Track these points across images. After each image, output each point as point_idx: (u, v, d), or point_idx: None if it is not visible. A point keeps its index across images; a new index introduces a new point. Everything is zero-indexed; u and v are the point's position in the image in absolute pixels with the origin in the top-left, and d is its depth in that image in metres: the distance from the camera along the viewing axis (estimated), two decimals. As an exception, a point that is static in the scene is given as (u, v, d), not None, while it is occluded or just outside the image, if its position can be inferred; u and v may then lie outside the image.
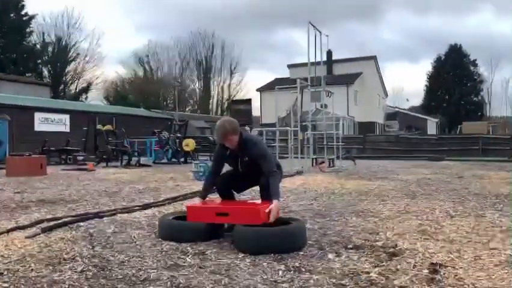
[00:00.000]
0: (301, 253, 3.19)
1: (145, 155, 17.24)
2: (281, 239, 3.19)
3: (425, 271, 2.71)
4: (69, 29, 40.63)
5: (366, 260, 3.01)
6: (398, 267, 2.83)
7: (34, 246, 3.42)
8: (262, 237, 3.19)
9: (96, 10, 65.84)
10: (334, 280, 2.58)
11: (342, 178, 9.26)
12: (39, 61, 37.74)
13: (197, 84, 55.95)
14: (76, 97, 39.15)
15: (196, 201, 4.05)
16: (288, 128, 12.36)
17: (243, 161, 3.84)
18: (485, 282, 2.50)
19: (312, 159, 12.81)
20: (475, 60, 53.34)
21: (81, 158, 13.28)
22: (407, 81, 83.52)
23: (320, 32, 12.90)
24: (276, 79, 39.95)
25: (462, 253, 3.13)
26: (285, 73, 41.36)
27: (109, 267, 2.89)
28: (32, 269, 2.84)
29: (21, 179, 9.09)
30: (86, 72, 42.28)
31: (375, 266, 2.85)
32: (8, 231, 3.89)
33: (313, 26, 12.58)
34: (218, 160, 3.99)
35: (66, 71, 40.72)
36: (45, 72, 39.40)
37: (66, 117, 17.99)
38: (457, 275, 2.60)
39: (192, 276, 2.71)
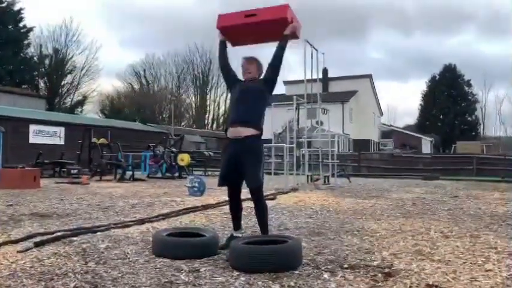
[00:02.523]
0: (297, 272, 3.16)
1: (139, 169, 17.16)
2: (277, 258, 3.17)
3: (421, 292, 2.69)
4: (66, 42, 40.75)
5: (362, 280, 2.99)
6: (394, 287, 2.81)
7: (26, 261, 3.38)
8: (258, 255, 3.17)
9: (94, 23, 66.17)
10: (330, 300, 2.56)
11: (337, 196, 9.24)
12: (35, 73, 37.69)
13: (193, 99, 56.15)
14: (72, 110, 39.03)
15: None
16: (284, 144, 12.37)
17: (242, 89, 3.99)
18: (481, 304, 2.49)
19: (308, 176, 12.79)
20: (469, 80, 53.96)
21: (75, 171, 13.18)
22: (401, 100, 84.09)
23: (316, 50, 13.02)
24: (272, 95, 40.08)
25: (458, 274, 3.11)
26: (281, 89, 41.58)
27: (102, 284, 2.85)
28: (23, 285, 2.80)
29: (14, 191, 9.00)
30: (82, 85, 42.28)
31: (371, 287, 2.83)
32: (0, 244, 3.84)
33: (310, 44, 12.70)
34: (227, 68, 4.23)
35: (62, 83, 40.69)
36: (42, 84, 39.36)
37: (61, 130, 17.92)
38: (453, 297, 2.59)
39: (186, 294, 2.68)
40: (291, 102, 12.75)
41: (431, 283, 2.89)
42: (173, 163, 15.83)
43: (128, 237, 4.35)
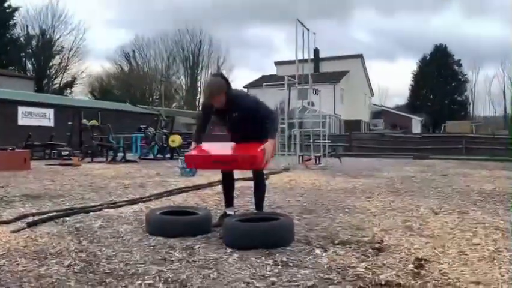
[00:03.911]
0: (289, 248, 3.21)
1: (130, 151, 17.10)
2: (269, 235, 3.21)
3: (411, 266, 2.75)
4: (53, 22, 40.00)
5: (353, 255, 3.05)
6: (384, 262, 2.87)
7: (19, 241, 3.38)
8: (251, 233, 3.21)
9: (82, 3, 64.80)
10: (322, 274, 2.61)
11: (328, 175, 9.32)
12: (22, 54, 37.08)
13: (183, 80, 55.71)
14: (61, 91, 38.59)
15: (192, 146, 3.91)
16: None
17: (232, 117, 3.78)
18: (468, 276, 2.56)
19: (299, 156, 12.85)
20: (459, 60, 54.18)
21: (66, 153, 13.10)
22: (390, 80, 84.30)
23: (308, 30, 12.93)
24: (263, 76, 39.95)
25: (446, 249, 3.18)
26: (272, 70, 41.43)
27: (96, 262, 2.87)
28: (18, 264, 2.81)
29: (4, 173, 8.94)
30: (71, 66, 41.72)
31: (362, 261, 2.89)
32: (-7, 225, 3.84)
33: (301, 23, 12.60)
34: (204, 117, 3.97)
35: (50, 64, 40.10)
36: (29, 66, 38.79)
37: (50, 112, 17.72)
38: (441, 270, 2.65)
39: (180, 270, 2.71)
40: (283, 83, 12.71)
41: (420, 257, 2.96)
42: (165, 144, 15.79)
43: (122, 217, 4.37)
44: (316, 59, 36.09)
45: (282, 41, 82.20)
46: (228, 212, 4.04)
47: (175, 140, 15.48)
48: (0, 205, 5.08)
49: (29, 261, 2.86)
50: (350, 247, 3.27)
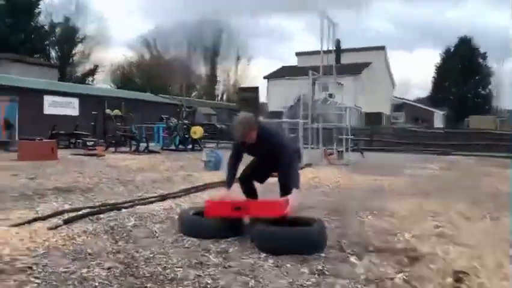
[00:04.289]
0: (323, 255, 3.22)
1: (152, 141, 17.28)
2: (303, 241, 3.22)
3: (450, 279, 2.73)
4: (77, 11, 40.41)
5: (389, 264, 3.04)
6: (421, 273, 2.86)
7: (57, 239, 3.47)
8: (284, 238, 3.22)
9: (103, -8, 65.24)
10: (359, 286, 2.61)
11: (352, 172, 9.26)
12: (46, 42, 37.60)
13: (203, 70, 55.86)
14: (83, 79, 39.09)
15: (219, 193, 4.02)
16: (298, 120, 12.35)
17: (263, 151, 3.90)
18: (510, 293, 2.53)
19: (322, 151, 12.77)
20: (485, 53, 52.86)
21: (91, 143, 13.32)
22: (411, 72, 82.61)
23: (331, 21, 12.78)
24: (284, 67, 39.75)
25: (483, 260, 3.14)
26: (293, 61, 41.15)
27: (135, 264, 2.93)
28: (59, 264, 2.89)
29: (33, 163, 9.15)
30: (93, 54, 42.18)
31: (399, 272, 2.88)
32: (30, 221, 3.94)
33: (323, 15, 12.44)
34: (237, 153, 4.03)
35: (73, 52, 40.61)
36: (53, 54, 39.33)
37: (75, 101, 18.01)
38: (482, 285, 2.63)
39: (218, 276, 2.75)
40: (306, 77, 12.64)
41: (457, 269, 2.93)
42: (186, 135, 15.92)
43: (153, 215, 4.43)
44: (338, 50, 35.68)
45: (300, 30, 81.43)
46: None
47: (197, 132, 15.60)
48: (33, 199, 5.21)
49: (70, 262, 2.94)
50: (385, 255, 3.25)
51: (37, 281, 2.57)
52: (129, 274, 2.75)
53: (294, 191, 3.58)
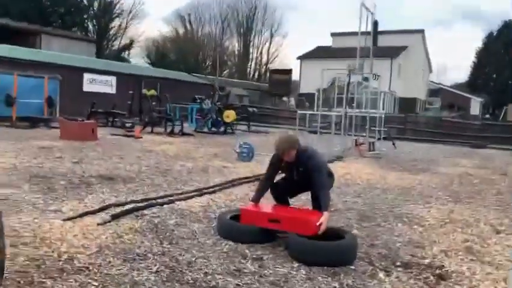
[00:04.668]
0: (353, 268, 3.41)
1: (186, 121, 17.65)
2: (335, 254, 3.42)
3: (473, 304, 2.88)
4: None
5: (416, 283, 3.21)
6: (447, 295, 3.02)
7: (107, 236, 3.79)
8: (318, 251, 3.43)
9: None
10: (387, 306, 2.80)
11: (383, 167, 9.33)
12: (85, 16, 38.36)
13: (236, 46, 55.77)
14: (118, 54, 39.83)
15: (249, 203, 4.30)
16: (332, 113, 12.41)
17: (298, 171, 4.10)
18: (531, 323, 2.67)
19: (354, 140, 12.78)
20: (530, 38, 50.53)
21: (129, 124, 13.78)
22: (450, 53, 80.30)
23: (369, 11, 12.62)
24: (318, 47, 39.27)
25: (508, 283, 3.27)
26: (328, 41, 40.56)
27: (179, 269, 3.21)
28: (112, 265, 3.19)
29: (75, 144, 9.64)
30: (129, 28, 42.78)
31: (425, 292, 3.05)
32: (81, 215, 4.29)
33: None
34: (273, 168, 4.25)
35: (110, 26, 41.29)
36: (90, 28, 40.10)
37: (113, 79, 18.51)
38: (504, 313, 2.77)
39: (254, 286, 3.00)
40: (342, 59, 12.58)
41: (482, 292, 3.07)
42: (219, 119, 16.18)
43: (192, 212, 4.72)
44: (375, 33, 34.93)
45: (335, 7, 79.85)
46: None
47: (230, 116, 15.85)
48: (80, 188, 5.59)
49: (121, 263, 3.24)
50: (412, 272, 3.42)
51: (95, 283, 2.87)
52: (175, 279, 3.02)
53: (325, 214, 3.76)
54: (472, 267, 3.57)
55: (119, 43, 42.61)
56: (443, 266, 3.58)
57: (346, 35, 34.32)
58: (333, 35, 39.57)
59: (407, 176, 8.41)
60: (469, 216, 5.34)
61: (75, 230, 3.87)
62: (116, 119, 15.71)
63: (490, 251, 4.04)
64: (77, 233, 3.78)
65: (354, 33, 13.38)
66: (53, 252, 3.35)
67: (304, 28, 77.42)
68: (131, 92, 16.83)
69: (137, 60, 43.94)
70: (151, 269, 3.18)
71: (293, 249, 3.56)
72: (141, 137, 12.09)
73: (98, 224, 4.06)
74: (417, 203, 5.97)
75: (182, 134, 14.04)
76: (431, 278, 3.32)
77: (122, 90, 18.17)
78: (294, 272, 3.28)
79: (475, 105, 41.21)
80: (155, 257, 3.40)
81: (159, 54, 44.55)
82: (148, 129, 14.39)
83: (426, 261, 3.68)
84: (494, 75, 49.69)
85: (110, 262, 3.25)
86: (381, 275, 3.32)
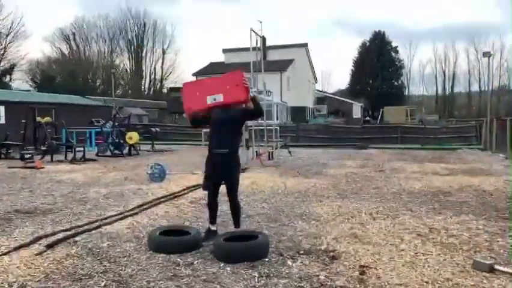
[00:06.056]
0: (267, 260, 4.25)
1: (82, 144, 17.32)
2: (252, 251, 4.24)
3: (356, 273, 3.88)
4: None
5: (315, 264, 4.14)
6: (338, 269, 3.99)
7: (48, 264, 4.16)
8: (238, 250, 4.21)
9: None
10: (296, 283, 3.67)
11: (283, 175, 10.46)
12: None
13: (128, 64, 54.84)
14: (-1, 79, 37.02)
15: None
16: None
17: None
18: (395, 279, 3.72)
19: (256, 152, 13.80)
20: (396, 46, 57.42)
21: (28, 155, 13.26)
22: (330, 63, 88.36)
23: (260, 22, 13.89)
24: (211, 63, 40.48)
25: (381, 255, 4.36)
26: (220, 57, 42.00)
27: (124, 281, 3.76)
28: (63, 286, 3.64)
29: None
30: (9, 52, 39.89)
31: (322, 270, 3.99)
32: (15, 249, 4.56)
33: (255, 32, 13.48)
34: None
35: (-14, 50, 38.20)
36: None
37: (1, 109, 17.51)
38: (377, 275, 3.81)
39: (191, 285, 3.68)
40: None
41: (362, 264, 4.10)
42: (121, 141, 16.25)
43: (120, 235, 5.19)
44: (264, 49, 37.06)
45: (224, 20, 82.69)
46: (212, 228, 5.00)
47: (132, 137, 16.03)
48: (2, 224, 5.70)
49: (71, 284, 3.69)
50: (312, 256, 4.36)
51: (55, 302, 3.33)
52: (123, 290, 3.58)
53: None
54: (356, 248, 4.62)
55: (-2, 67, 39.52)
56: (335, 249, 4.58)
57: (237, 51, 35.99)
58: (224, 51, 41.11)
59: (303, 180, 9.61)
60: (353, 209, 6.54)
61: (15, 262, 4.18)
62: (10, 151, 14.98)
63: (368, 234, 5.17)
64: (19, 264, 4.11)
65: (244, 49, 14.49)
66: (2, 283, 3.68)
67: (202, 43, 78.81)
68: (23, 120, 16.16)
69: (21, 85, 41.14)
70: (99, 284, 3.68)
71: (218, 252, 4.30)
72: (43, 167, 11.85)
73: (36, 255, 4.39)
74: (313, 203, 7.07)
75: (85, 160, 13.93)
76: (327, 259, 4.28)
77: (13, 119, 17.30)
78: (222, 270, 4.01)
79: (357, 110, 45.57)
80: (100, 275, 3.90)
81: (45, 76, 42.16)
82: (48, 158, 14.02)
83: (323, 247, 4.66)
84: (370, 81, 55.37)
85: (60, 284, 3.68)
86: (289, 262, 4.20)
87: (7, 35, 39.04)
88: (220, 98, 4.82)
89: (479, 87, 56.56)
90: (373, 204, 6.94)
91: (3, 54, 39.22)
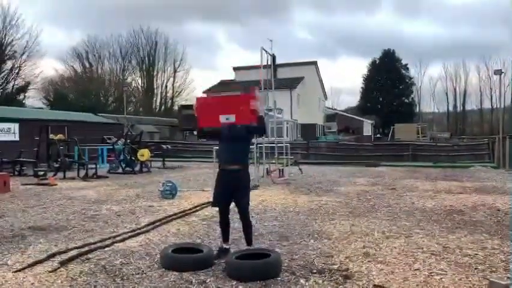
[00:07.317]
0: (279, 278, 4.23)
1: (95, 161, 17.48)
2: (265, 269, 4.22)
3: (370, 292, 3.85)
4: (5, 26, 38.86)
5: (328, 283, 4.11)
6: (351, 289, 3.96)
7: (62, 281, 4.20)
8: (251, 268, 4.20)
9: (33, 5, 62.87)
10: (309, 302, 3.65)
11: (293, 192, 10.44)
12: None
13: (139, 82, 55.52)
14: (14, 97, 37.67)
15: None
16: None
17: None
18: (409, 299, 3.68)
19: (266, 169, 13.82)
20: (406, 64, 57.52)
21: (41, 172, 13.42)
22: (338, 80, 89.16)
23: (271, 41, 14.06)
24: (222, 81, 40.86)
25: (395, 275, 4.31)
26: (230, 75, 42.39)
27: (138, 298, 3.77)
28: (77, 303, 3.66)
29: (-11, 198, 9.40)
30: (24, 70, 40.70)
31: (336, 289, 3.96)
32: (30, 265, 4.60)
33: (267, 48, 13.64)
34: None
35: (3, 69, 38.96)
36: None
37: (15, 126, 17.79)
38: (391, 295, 3.77)
39: (204, 303, 3.67)
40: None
41: (376, 283, 4.06)
42: (133, 158, 16.37)
43: (133, 252, 5.22)
44: (274, 66, 37.37)
45: (225, 39, 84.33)
46: (225, 246, 5.00)
47: (144, 154, 16.14)
48: (16, 241, 5.76)
49: (85, 301, 3.71)
50: (325, 275, 4.33)
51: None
52: (136, 307, 3.59)
53: None
54: (369, 267, 4.58)
55: (13, 86, 40.28)
56: (348, 268, 4.54)
57: (247, 69, 36.32)
58: (235, 69, 41.51)
59: (314, 197, 9.57)
60: (366, 227, 6.49)
61: (29, 279, 4.22)
62: (23, 168, 15.18)
63: (382, 253, 5.12)
64: (33, 281, 4.15)
65: (254, 67, 14.66)
66: (18, 300, 3.71)
67: (212, 62, 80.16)
68: (37, 138, 16.39)
69: (34, 103, 41.85)
70: (114, 301, 3.70)
71: (230, 270, 4.29)
72: (56, 184, 11.97)
73: (50, 272, 4.42)
74: (325, 221, 7.03)
75: (97, 177, 14.04)
76: (340, 278, 4.25)
77: (27, 137, 17.56)
78: (234, 288, 4.00)
79: (367, 127, 45.45)
80: (114, 292, 3.92)
81: (58, 94, 42.82)
82: (60, 175, 14.16)
83: (336, 266, 4.63)
84: (381, 99, 55.37)
85: (75, 301, 3.71)
86: (302, 281, 4.18)
87: (22, 54, 39.87)
88: (232, 118, 4.91)
89: (491, 104, 56.26)
90: (386, 222, 6.88)
91: (17, 72, 40.02)
